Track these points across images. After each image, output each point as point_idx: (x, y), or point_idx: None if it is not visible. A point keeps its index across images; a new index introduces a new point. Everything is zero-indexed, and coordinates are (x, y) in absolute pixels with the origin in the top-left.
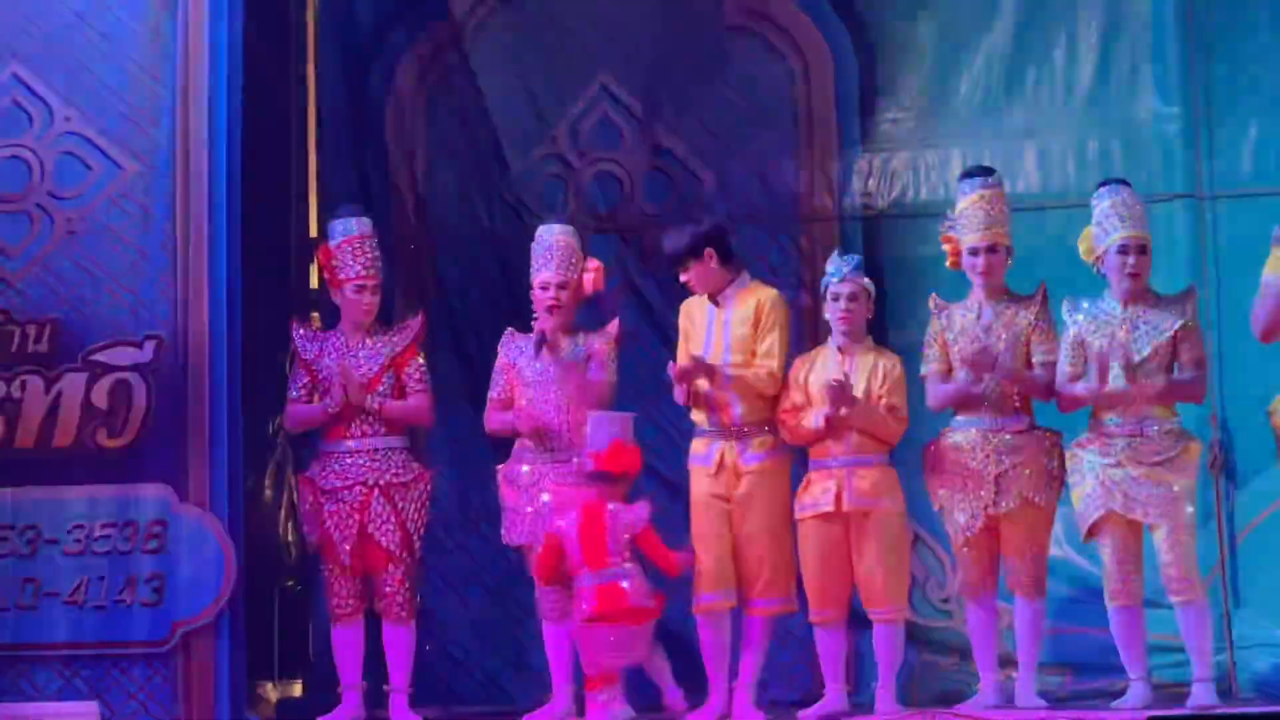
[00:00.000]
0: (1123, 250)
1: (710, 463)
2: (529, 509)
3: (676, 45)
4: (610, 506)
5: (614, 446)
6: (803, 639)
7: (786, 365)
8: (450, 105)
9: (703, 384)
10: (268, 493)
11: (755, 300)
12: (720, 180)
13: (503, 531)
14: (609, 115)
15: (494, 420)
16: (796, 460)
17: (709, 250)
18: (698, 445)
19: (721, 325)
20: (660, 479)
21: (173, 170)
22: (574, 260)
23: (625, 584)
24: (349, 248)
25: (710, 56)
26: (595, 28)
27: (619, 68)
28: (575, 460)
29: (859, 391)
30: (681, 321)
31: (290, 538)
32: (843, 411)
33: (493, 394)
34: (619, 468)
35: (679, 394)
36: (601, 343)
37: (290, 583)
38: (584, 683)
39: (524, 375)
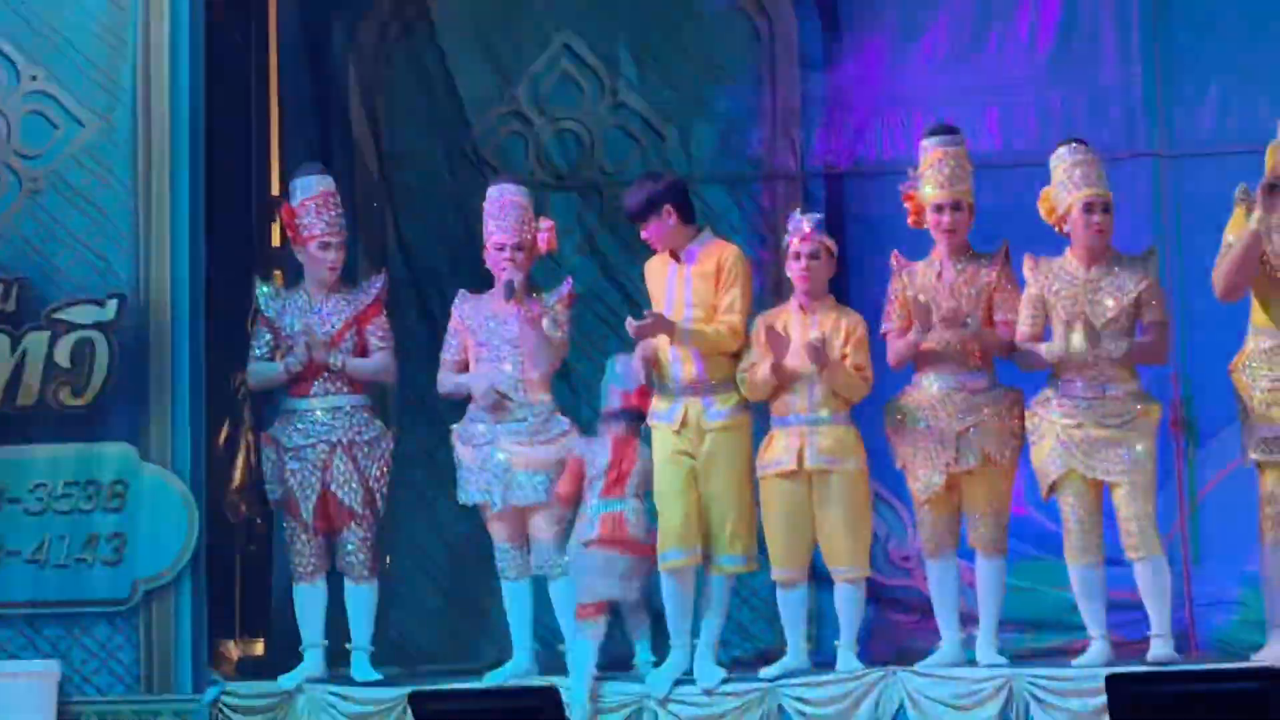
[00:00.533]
0: (1088, 208)
1: (673, 419)
2: (483, 468)
3: (638, 2)
4: (639, 444)
5: (644, 389)
6: (764, 597)
7: (749, 323)
8: (411, 62)
9: (663, 340)
10: (229, 451)
11: (717, 256)
12: (682, 138)
13: (458, 491)
14: (570, 73)
15: (447, 382)
16: (758, 418)
17: (667, 207)
18: (659, 402)
19: (683, 281)
20: None
21: (134, 128)
22: (527, 220)
23: (630, 515)
24: (313, 205)
25: (673, 14)
26: None
27: (580, 25)
28: (530, 420)
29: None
30: (647, 281)
31: (239, 497)
32: (793, 364)
33: (446, 355)
34: (649, 408)
35: (638, 369)
36: (555, 301)
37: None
38: (575, 610)
39: (478, 336)
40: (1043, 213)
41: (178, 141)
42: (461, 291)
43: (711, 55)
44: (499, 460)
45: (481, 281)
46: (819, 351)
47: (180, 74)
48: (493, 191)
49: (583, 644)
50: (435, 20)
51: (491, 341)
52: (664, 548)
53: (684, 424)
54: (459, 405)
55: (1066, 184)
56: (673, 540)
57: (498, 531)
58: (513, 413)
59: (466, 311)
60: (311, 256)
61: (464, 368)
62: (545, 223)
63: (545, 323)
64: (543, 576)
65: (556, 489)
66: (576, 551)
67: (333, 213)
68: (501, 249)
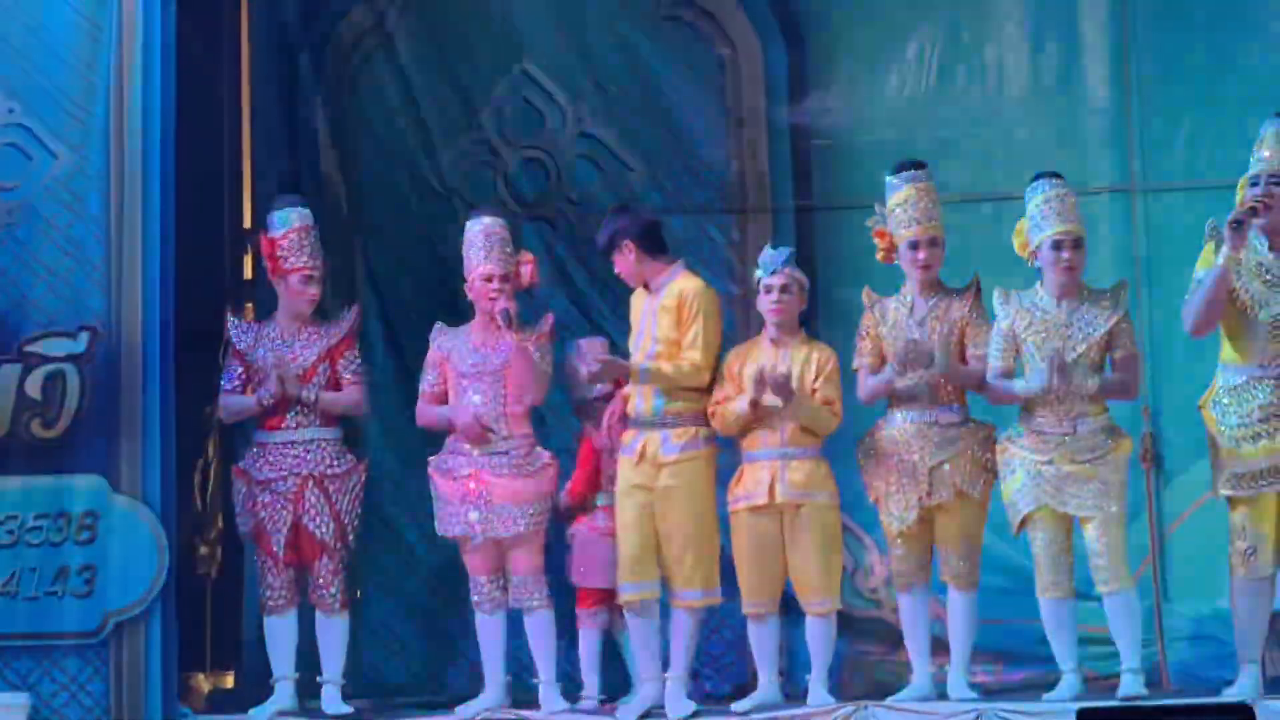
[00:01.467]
0: (1057, 245)
1: (633, 453)
2: (462, 501)
3: (601, 30)
4: None
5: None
6: (736, 630)
7: (721, 357)
8: (377, 92)
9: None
10: (200, 484)
11: (679, 291)
12: (650, 168)
13: (436, 523)
14: (531, 101)
15: (426, 414)
16: (725, 451)
17: (627, 243)
18: (627, 435)
19: (651, 316)
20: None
21: (106, 160)
22: (510, 251)
23: None
24: (294, 238)
25: (635, 42)
26: (516, 11)
27: (539, 52)
28: (511, 453)
29: (793, 384)
30: (631, 313)
31: (209, 529)
32: (768, 401)
33: (424, 388)
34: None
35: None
36: (537, 335)
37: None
38: (575, 599)
39: (459, 367)
40: (1016, 246)
41: (150, 173)
42: (439, 324)
43: (676, 84)
44: (479, 493)
45: (451, 313)
46: (784, 385)
47: (152, 106)
48: (474, 223)
49: (589, 633)
50: (399, 48)
51: (473, 373)
52: (620, 581)
53: (642, 457)
54: (429, 436)
55: (1038, 219)
56: (626, 574)
57: (475, 564)
58: (494, 445)
59: (445, 343)
60: (291, 289)
61: (443, 399)
62: (526, 256)
63: (533, 354)
64: (517, 610)
65: (568, 486)
66: (584, 539)
67: (312, 246)
68: (490, 280)
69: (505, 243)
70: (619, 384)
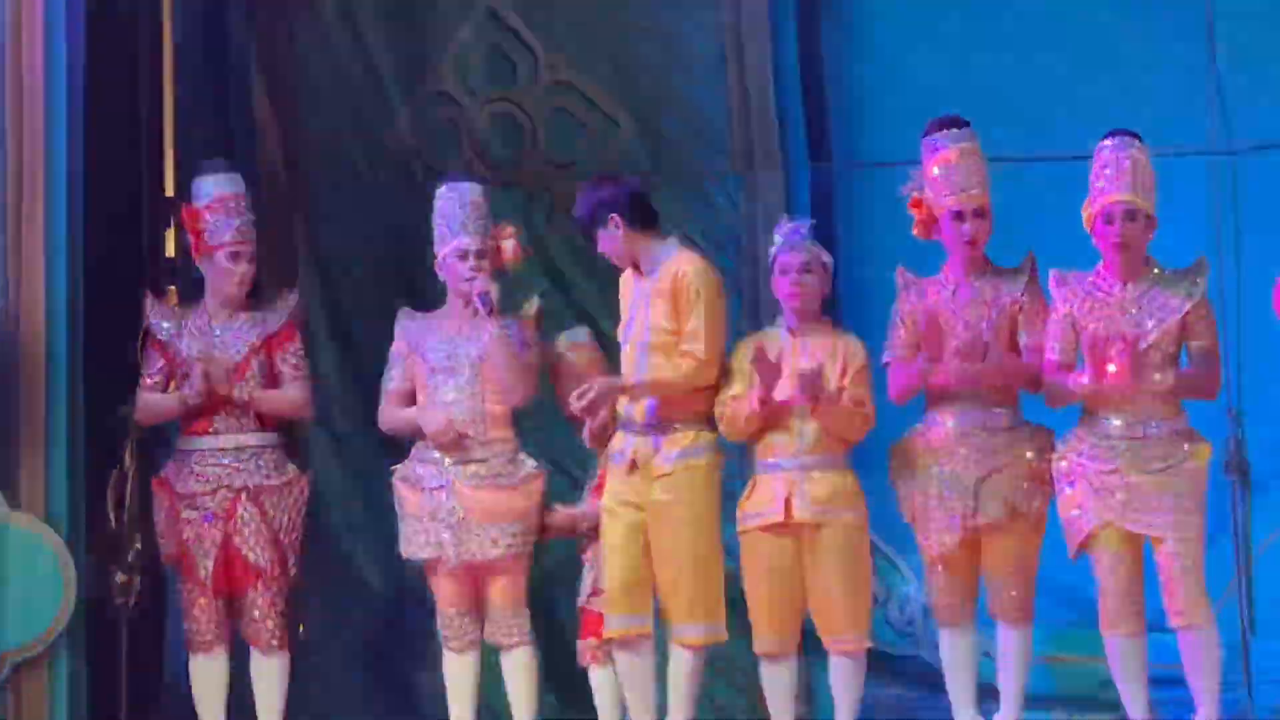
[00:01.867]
0: (1107, 217)
1: (622, 462)
2: (432, 518)
3: None
4: None
5: None
6: (746, 671)
7: (728, 348)
8: (321, 37)
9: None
10: (113, 499)
11: (674, 272)
12: (639, 123)
13: (401, 543)
14: (499, 46)
15: (391, 416)
16: (733, 459)
17: (613, 217)
18: (615, 440)
19: (644, 301)
20: (571, 479)
21: (2, 117)
22: (488, 224)
23: None
24: (220, 209)
25: None
26: None
27: None
28: (491, 460)
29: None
30: (620, 298)
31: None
32: (780, 396)
33: (388, 386)
34: None
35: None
36: (521, 324)
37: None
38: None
39: (428, 361)
40: (1084, 220)
41: (54, 134)
42: (404, 309)
43: (667, 23)
44: (452, 508)
45: (410, 296)
46: (813, 383)
47: (57, 59)
48: (446, 191)
49: (603, 672)
50: None
51: (445, 367)
52: (606, 613)
53: (632, 467)
54: (389, 443)
55: (1093, 186)
56: (614, 606)
57: (446, 593)
58: (471, 452)
59: (412, 332)
60: (217, 268)
61: (410, 399)
62: (507, 229)
63: (515, 344)
64: (493, 646)
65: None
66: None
67: (243, 218)
68: (465, 256)
69: (483, 213)
70: None
